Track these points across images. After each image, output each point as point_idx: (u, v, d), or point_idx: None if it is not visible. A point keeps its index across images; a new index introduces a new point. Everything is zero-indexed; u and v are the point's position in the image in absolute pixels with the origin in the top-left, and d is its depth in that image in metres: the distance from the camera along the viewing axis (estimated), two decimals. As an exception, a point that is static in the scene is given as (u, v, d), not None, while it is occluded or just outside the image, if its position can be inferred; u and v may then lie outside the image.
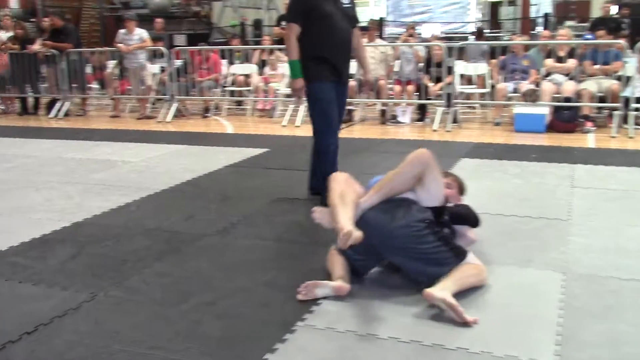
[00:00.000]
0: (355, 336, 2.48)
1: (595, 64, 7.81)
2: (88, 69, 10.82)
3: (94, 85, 11.20)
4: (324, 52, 4.21)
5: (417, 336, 2.46)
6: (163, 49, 9.73)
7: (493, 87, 8.93)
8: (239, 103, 10.54)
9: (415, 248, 2.81)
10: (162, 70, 9.93)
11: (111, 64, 10.63)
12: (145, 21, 11.92)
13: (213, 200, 4.61)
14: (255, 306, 2.77)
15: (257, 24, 17.87)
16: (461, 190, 3.48)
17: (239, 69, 10.01)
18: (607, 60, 7.73)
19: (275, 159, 6.10)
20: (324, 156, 4.31)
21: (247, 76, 9.93)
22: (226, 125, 8.80)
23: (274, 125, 8.61)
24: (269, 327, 2.57)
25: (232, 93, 10.13)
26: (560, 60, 8.07)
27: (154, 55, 9.86)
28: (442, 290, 2.61)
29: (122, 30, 9.55)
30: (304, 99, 4.33)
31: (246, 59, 10.27)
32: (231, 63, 10.24)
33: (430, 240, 2.82)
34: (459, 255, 2.86)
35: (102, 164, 6.01)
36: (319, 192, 4.22)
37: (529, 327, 2.52)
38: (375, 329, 2.53)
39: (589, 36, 8.47)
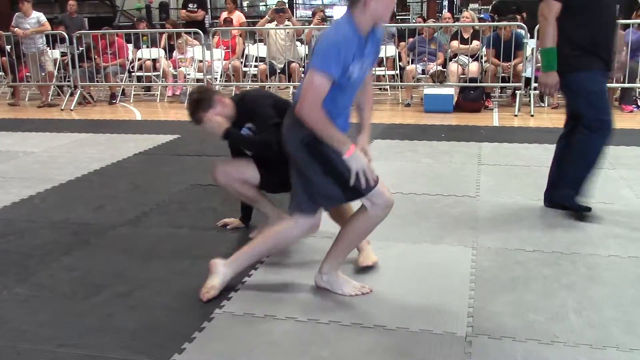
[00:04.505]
0: (274, 320, 2.47)
1: (498, 52, 8.01)
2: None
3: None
4: (594, 33, 3.43)
5: (335, 317, 2.48)
6: (64, 33, 9.28)
7: (402, 69, 9.10)
8: (147, 89, 10.23)
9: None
10: (63, 55, 9.48)
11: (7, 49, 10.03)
12: (43, 3, 11.32)
13: (123, 189, 4.46)
14: (171, 296, 2.71)
15: (163, 7, 17.37)
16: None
17: (146, 53, 9.70)
18: (509, 47, 7.93)
19: (187, 145, 5.97)
20: (583, 157, 3.58)
21: (154, 61, 9.64)
22: (134, 112, 8.52)
23: (185, 111, 8.40)
24: (186, 316, 2.51)
25: (139, 78, 9.81)
26: (465, 42, 8.32)
27: (55, 40, 9.39)
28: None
29: (18, 14, 9.03)
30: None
31: (153, 43, 9.97)
32: (137, 47, 9.90)
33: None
34: None
35: (2, 155, 5.69)
36: (564, 204, 3.68)
37: (443, 302, 2.60)
38: (293, 312, 2.53)
39: (484, 16, 8.75)
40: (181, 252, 3.21)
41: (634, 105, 7.69)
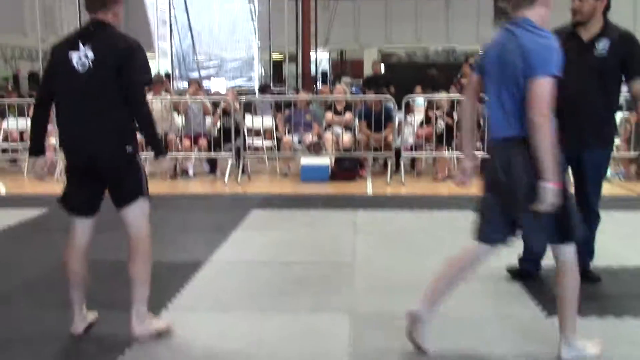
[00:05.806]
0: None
1: (369, 123, 8.36)
2: None
3: None
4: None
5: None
6: None
7: (279, 139, 9.29)
8: (14, 161, 9.71)
9: None
10: None
11: None
12: None
13: (-16, 269, 4.16)
14: (36, 383, 2.53)
15: (33, 77, 16.75)
16: None
17: (13, 124, 9.26)
18: (379, 119, 8.32)
19: (56, 220, 5.67)
20: None
21: (22, 132, 9.21)
22: (-1, 186, 8.05)
23: (54, 184, 8.05)
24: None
25: (4, 150, 9.30)
26: (338, 113, 8.67)
27: None
28: None
29: None
30: None
31: (21, 113, 9.53)
32: (3, 117, 9.43)
33: None
34: None
35: None
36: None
37: (322, 370, 2.63)
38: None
39: (355, 90, 9.22)
40: (51, 336, 3.02)
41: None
